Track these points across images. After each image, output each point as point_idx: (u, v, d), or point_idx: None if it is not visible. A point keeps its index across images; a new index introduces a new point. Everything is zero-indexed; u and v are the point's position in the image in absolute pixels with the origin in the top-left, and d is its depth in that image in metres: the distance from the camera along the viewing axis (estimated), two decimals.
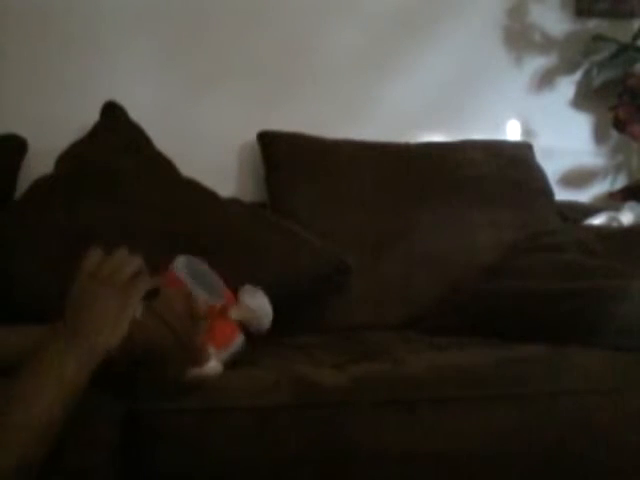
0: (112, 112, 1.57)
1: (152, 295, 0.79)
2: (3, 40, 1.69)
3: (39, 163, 1.56)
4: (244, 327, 0.99)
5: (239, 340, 0.95)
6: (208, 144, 1.77)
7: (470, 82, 1.93)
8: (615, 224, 1.60)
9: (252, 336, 1.01)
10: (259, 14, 1.83)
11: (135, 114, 1.58)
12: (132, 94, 1.67)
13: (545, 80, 1.99)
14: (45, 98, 1.71)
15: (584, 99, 2.01)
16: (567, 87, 2.01)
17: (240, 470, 0.80)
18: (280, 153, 1.70)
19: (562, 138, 1.96)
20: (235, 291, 1.06)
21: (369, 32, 1.89)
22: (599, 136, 2.02)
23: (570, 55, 1.99)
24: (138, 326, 0.78)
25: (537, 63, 1.99)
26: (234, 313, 0.97)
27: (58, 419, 0.73)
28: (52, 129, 1.66)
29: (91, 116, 1.56)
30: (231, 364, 0.92)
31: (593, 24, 2.00)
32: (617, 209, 1.66)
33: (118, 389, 0.85)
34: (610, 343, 1.05)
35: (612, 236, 1.42)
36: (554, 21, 2.00)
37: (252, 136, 1.73)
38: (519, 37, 1.98)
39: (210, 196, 1.50)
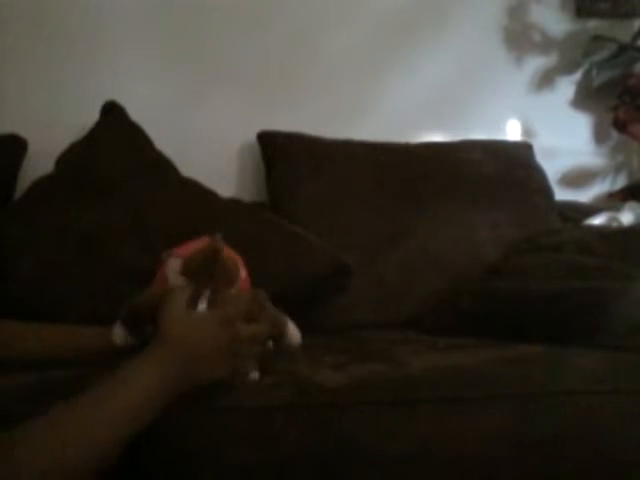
0: (112, 112, 1.57)
1: None
2: (3, 40, 1.69)
3: (39, 163, 1.57)
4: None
5: None
6: (208, 144, 1.77)
7: (470, 82, 1.93)
8: (615, 224, 1.60)
9: None
10: (259, 14, 1.83)
11: (135, 114, 1.58)
12: (132, 94, 1.67)
13: (545, 80, 2.00)
14: (45, 98, 1.71)
15: (584, 99, 2.01)
16: (567, 87, 2.02)
17: (239, 470, 0.80)
18: (280, 153, 1.69)
19: (562, 138, 1.96)
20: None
21: (369, 32, 1.89)
22: (599, 136, 2.03)
23: (570, 55, 2.00)
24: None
25: (537, 63, 1.99)
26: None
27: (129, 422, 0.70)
28: (52, 129, 1.66)
29: (91, 116, 1.56)
30: None
31: (593, 24, 2.01)
32: (617, 209, 1.66)
33: None
34: (610, 343, 1.05)
35: (612, 236, 1.42)
36: (554, 21, 2.00)
37: (252, 136, 1.74)
38: (519, 37, 1.98)
39: (210, 196, 1.50)
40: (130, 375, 0.73)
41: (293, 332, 0.96)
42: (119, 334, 0.92)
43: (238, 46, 1.82)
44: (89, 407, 0.69)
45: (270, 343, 0.93)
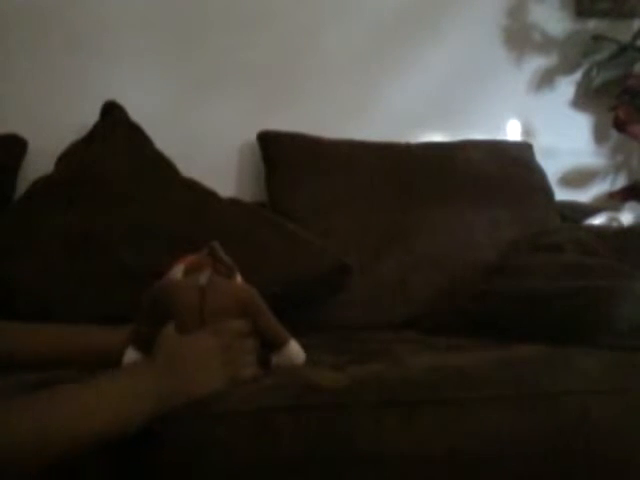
0: (112, 112, 1.57)
1: None
2: (4, 40, 1.69)
3: (39, 163, 1.56)
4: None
5: None
6: (208, 144, 1.77)
7: (470, 82, 1.93)
8: (615, 224, 1.60)
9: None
10: (259, 14, 1.83)
11: (135, 114, 1.58)
12: (132, 94, 1.67)
13: (545, 80, 2.00)
14: (45, 98, 1.71)
15: (584, 99, 2.01)
16: (567, 87, 2.01)
17: (239, 471, 0.80)
18: (280, 153, 1.69)
19: (562, 138, 1.96)
20: None
21: (369, 32, 1.89)
22: (599, 136, 2.02)
23: (570, 55, 2.00)
24: None
25: (537, 63, 1.99)
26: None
27: (116, 427, 0.72)
28: (52, 129, 1.66)
29: (91, 116, 1.56)
30: None
31: (593, 24, 2.01)
32: (617, 209, 1.66)
33: None
34: (610, 343, 1.05)
35: (612, 236, 1.42)
36: (554, 21, 2.00)
37: (252, 136, 1.73)
38: (519, 37, 1.98)
39: (210, 196, 1.50)
40: (121, 379, 0.76)
41: (296, 351, 0.96)
42: (134, 359, 0.90)
43: (238, 46, 1.81)
44: (72, 400, 0.70)
45: (274, 359, 0.93)
